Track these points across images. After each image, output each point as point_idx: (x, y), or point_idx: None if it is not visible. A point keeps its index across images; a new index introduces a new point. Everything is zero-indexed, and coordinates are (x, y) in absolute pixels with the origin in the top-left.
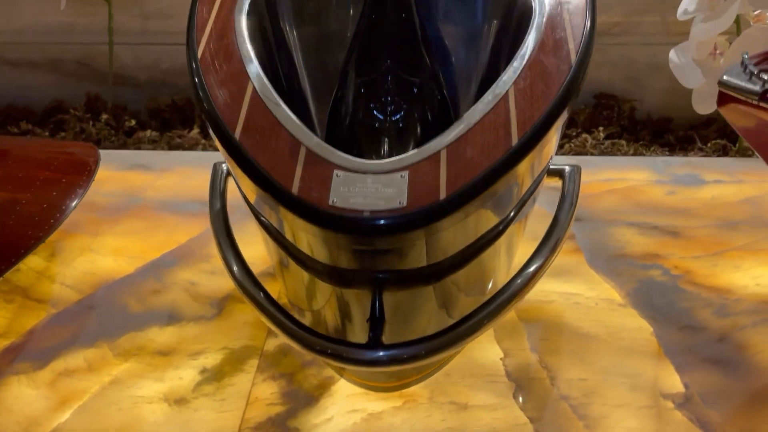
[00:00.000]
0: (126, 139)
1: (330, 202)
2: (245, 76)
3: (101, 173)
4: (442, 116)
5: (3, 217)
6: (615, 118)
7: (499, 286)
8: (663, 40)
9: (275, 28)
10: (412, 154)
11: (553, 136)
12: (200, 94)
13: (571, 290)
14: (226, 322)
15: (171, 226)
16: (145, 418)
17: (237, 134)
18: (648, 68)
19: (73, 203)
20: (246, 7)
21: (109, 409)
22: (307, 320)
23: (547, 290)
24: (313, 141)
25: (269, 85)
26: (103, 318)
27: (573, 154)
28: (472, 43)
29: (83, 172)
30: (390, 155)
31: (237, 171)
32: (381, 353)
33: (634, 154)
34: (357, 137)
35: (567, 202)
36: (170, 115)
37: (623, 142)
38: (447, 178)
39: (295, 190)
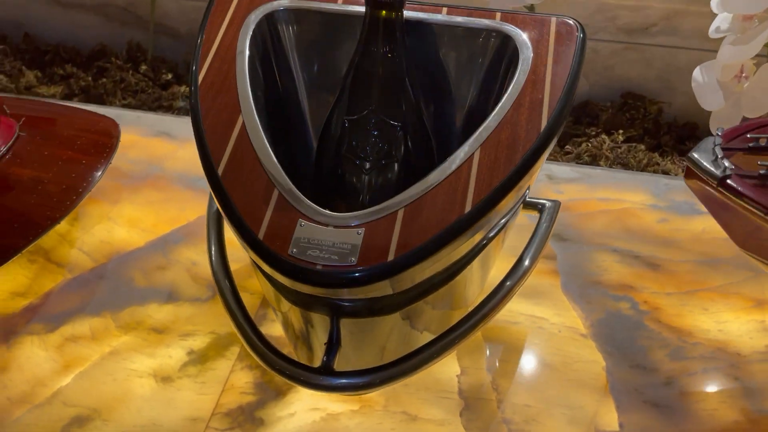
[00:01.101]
0: (161, 93)
1: (289, 252)
2: (237, 109)
3: (129, 137)
4: (424, 159)
5: (26, 195)
6: (639, 119)
7: (469, 302)
8: (701, 45)
9: (278, 52)
10: (371, 211)
11: (516, 194)
12: (195, 119)
13: (539, 314)
14: (218, 306)
15: (183, 201)
16: (134, 391)
17: (220, 168)
18: (682, 71)
19: (89, 186)
20: (251, 29)
21: (105, 378)
22: (280, 328)
23: (515, 311)
24: (286, 186)
25: (258, 123)
26: (111, 289)
27: (587, 155)
28: (461, 83)
29: (102, 154)
30: (367, 196)
31: (216, 203)
32: (332, 380)
33: (648, 164)
34: (340, 173)
35: (535, 243)
36: None
37: (642, 146)
38: (398, 240)
39: (261, 235)
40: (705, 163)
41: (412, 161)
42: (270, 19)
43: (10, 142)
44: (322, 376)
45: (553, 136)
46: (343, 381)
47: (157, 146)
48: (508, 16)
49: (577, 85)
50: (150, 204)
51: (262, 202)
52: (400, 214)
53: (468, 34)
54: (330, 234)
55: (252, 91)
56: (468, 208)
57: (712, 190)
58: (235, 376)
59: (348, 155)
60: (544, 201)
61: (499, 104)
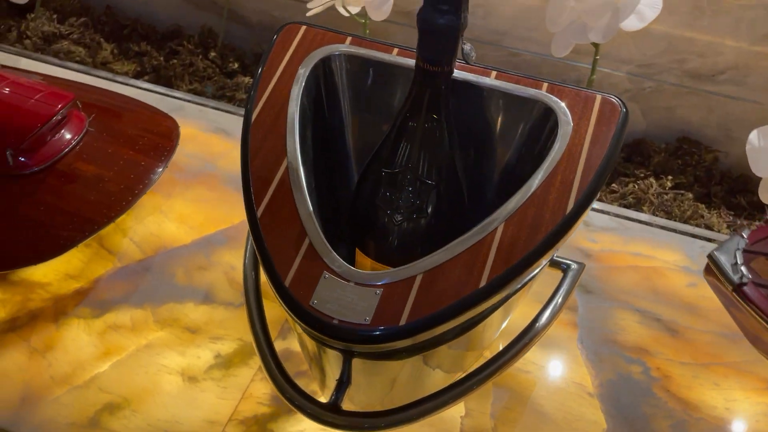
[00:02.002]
0: (226, 81)
1: (310, 302)
2: (283, 152)
3: (189, 130)
4: (455, 217)
5: (88, 191)
6: (692, 166)
7: (486, 344)
8: None
9: (330, 94)
10: (392, 272)
11: (533, 270)
12: (244, 158)
13: (551, 365)
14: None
15: (231, 203)
16: (162, 387)
17: (260, 210)
18: (743, 123)
19: (145, 189)
20: (307, 71)
21: (138, 369)
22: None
23: (527, 359)
24: (317, 237)
25: (301, 169)
26: (154, 283)
27: (632, 197)
28: (502, 143)
29: (160, 157)
30: (395, 246)
31: (252, 241)
32: (338, 418)
33: (692, 216)
34: (372, 220)
35: (553, 303)
36: None
37: (690, 195)
38: (413, 305)
39: (287, 281)
40: (724, 266)
41: (443, 219)
42: (326, 62)
43: (80, 136)
44: (329, 413)
45: (578, 219)
46: (349, 420)
47: (214, 143)
48: (555, 88)
49: (611, 168)
50: (200, 202)
51: (293, 248)
52: (419, 279)
53: (513, 101)
54: (350, 290)
55: (300, 131)
56: (483, 283)
57: (727, 292)
58: (255, 386)
59: (381, 205)
60: (569, 262)
61: (531, 180)
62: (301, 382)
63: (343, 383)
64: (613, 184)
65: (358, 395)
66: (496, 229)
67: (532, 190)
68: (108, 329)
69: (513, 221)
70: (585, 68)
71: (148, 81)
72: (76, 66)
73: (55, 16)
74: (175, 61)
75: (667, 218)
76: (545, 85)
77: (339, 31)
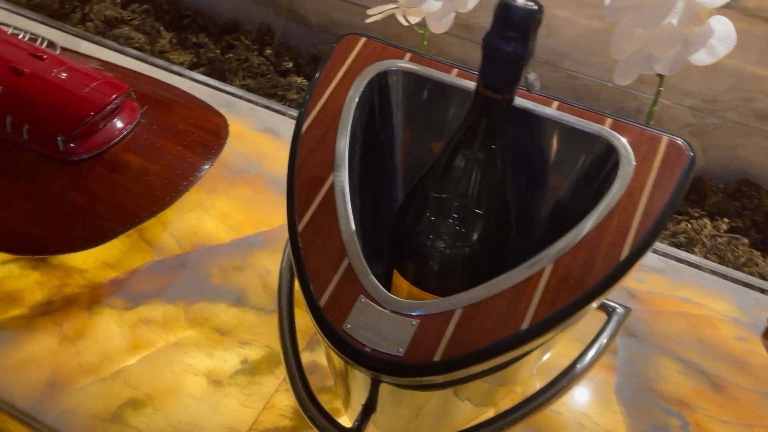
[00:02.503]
0: (279, 80)
1: (344, 326)
2: (330, 167)
3: (238, 127)
4: (500, 249)
5: (133, 183)
6: (750, 210)
7: (520, 380)
8: None
9: (384, 109)
10: (430, 303)
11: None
12: (291, 169)
13: (584, 410)
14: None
15: (273, 205)
16: (185, 387)
17: (302, 224)
18: None
19: (189, 186)
20: (362, 85)
21: (164, 367)
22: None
23: (561, 401)
24: (356, 258)
25: (346, 186)
26: (189, 280)
27: (683, 236)
28: (556, 175)
29: (207, 155)
30: (435, 273)
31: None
32: None
33: (746, 263)
34: (414, 243)
35: (595, 347)
36: None
37: (745, 240)
38: (449, 341)
39: (322, 302)
40: None
41: (487, 250)
42: (382, 77)
43: (131, 127)
44: None
45: (631, 267)
46: None
47: (261, 142)
48: (619, 125)
49: (671, 215)
50: (242, 201)
51: (331, 268)
52: (458, 313)
53: (573, 134)
54: (386, 318)
55: (350, 146)
56: (525, 325)
57: None
58: (278, 397)
59: (424, 229)
60: (615, 305)
61: (586, 220)
62: (325, 398)
63: (369, 409)
64: None
65: (382, 419)
66: (544, 269)
67: (586, 231)
68: (139, 322)
69: (563, 262)
70: (646, 98)
71: (203, 73)
72: (134, 52)
73: (118, 0)
74: (230, 55)
75: (719, 262)
76: (609, 120)
77: (398, 46)
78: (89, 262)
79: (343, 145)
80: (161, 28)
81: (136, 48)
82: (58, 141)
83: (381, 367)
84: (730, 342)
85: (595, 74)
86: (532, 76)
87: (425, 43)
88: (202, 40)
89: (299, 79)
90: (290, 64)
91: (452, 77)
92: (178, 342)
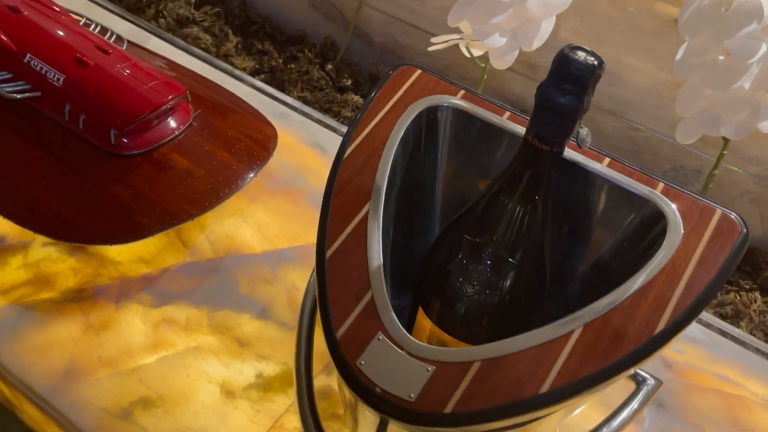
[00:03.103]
0: (336, 96)
1: (358, 362)
2: (367, 197)
3: (288, 139)
4: (531, 300)
5: (175, 184)
6: None
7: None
8: None
9: (429, 144)
10: (449, 351)
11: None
12: (327, 193)
13: None
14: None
15: (309, 222)
16: (198, 393)
17: (330, 250)
18: None
19: (230, 194)
20: (410, 118)
21: (181, 370)
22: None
23: None
24: (380, 293)
25: (380, 218)
26: (217, 286)
27: (730, 307)
28: (599, 232)
29: (252, 165)
30: (460, 317)
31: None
32: None
33: None
34: (442, 284)
35: (620, 417)
36: None
37: None
38: (463, 393)
39: (339, 333)
40: None
41: (517, 301)
42: (431, 112)
43: (182, 129)
44: None
45: (665, 343)
46: None
47: (308, 156)
48: (671, 191)
49: (715, 293)
50: (280, 214)
51: (353, 299)
52: (476, 366)
53: (621, 194)
54: (401, 360)
55: (389, 178)
56: (544, 388)
57: None
58: (287, 417)
59: (454, 270)
60: (646, 375)
61: (624, 286)
62: (334, 425)
63: None
64: None
65: None
66: (572, 331)
67: (623, 298)
68: (163, 322)
69: (593, 327)
70: (707, 159)
71: (263, 80)
72: (199, 53)
73: (192, 1)
74: (292, 66)
75: (765, 341)
76: (661, 185)
77: (453, 82)
78: (124, 255)
79: (383, 175)
80: (229, 31)
81: (202, 49)
82: (111, 134)
83: (389, 410)
84: (765, 426)
85: (657, 128)
86: (584, 132)
87: (485, 76)
88: (267, 48)
89: (356, 98)
90: (349, 82)
91: (503, 120)
92: (197, 347)
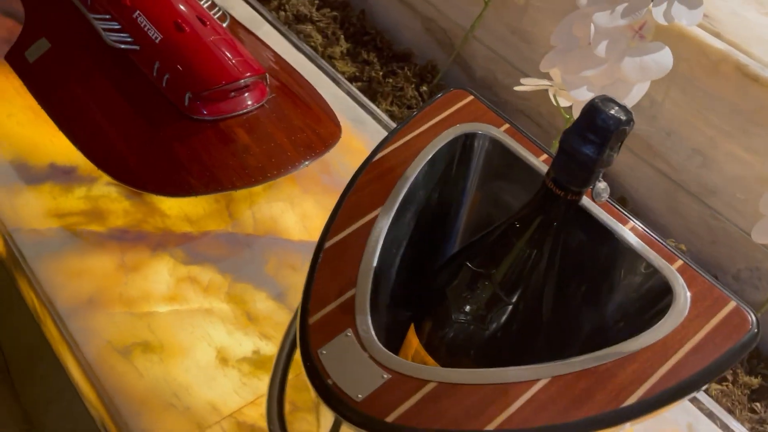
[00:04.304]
0: None
1: (319, 351)
2: (380, 202)
3: (357, 142)
4: (516, 343)
5: (231, 155)
6: None
7: None
8: None
9: (461, 167)
10: (408, 365)
11: None
12: (349, 184)
13: None
14: None
15: None
16: (195, 352)
17: (331, 241)
18: None
19: (276, 176)
20: (447, 139)
21: (187, 326)
22: None
23: None
24: (363, 293)
25: (387, 226)
26: (247, 260)
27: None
28: (602, 289)
29: (305, 156)
30: (441, 339)
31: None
32: None
33: None
34: (435, 305)
35: None
36: None
37: None
38: (409, 409)
39: (312, 320)
40: None
41: (502, 339)
42: (469, 138)
43: (254, 107)
44: None
45: (628, 419)
46: None
47: None
48: (688, 271)
49: (698, 388)
50: (326, 210)
51: (336, 292)
52: (431, 386)
53: (636, 261)
54: (361, 361)
55: (409, 191)
56: (489, 428)
57: None
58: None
59: (449, 296)
60: None
61: (604, 351)
62: (308, 416)
63: None
64: (756, 402)
65: None
66: (539, 380)
67: (602, 362)
68: (187, 279)
69: (561, 381)
70: None
71: (359, 88)
72: (306, 49)
73: (316, 1)
74: (390, 80)
75: None
76: (680, 262)
77: (500, 114)
78: (174, 211)
79: (404, 186)
80: (342, 36)
81: (311, 46)
82: (186, 97)
83: (334, 404)
84: None
85: (740, 223)
86: (601, 186)
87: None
88: (371, 59)
89: None
90: None
91: (538, 160)
92: (209, 309)
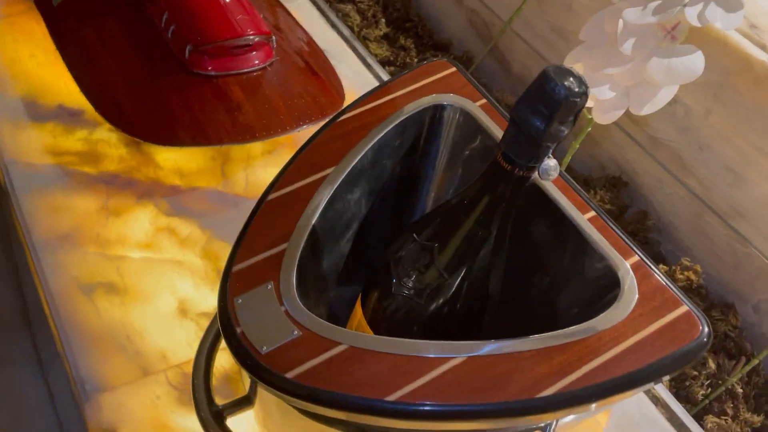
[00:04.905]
0: None
1: (236, 300)
2: (336, 162)
3: None
4: (446, 319)
5: (223, 112)
6: None
7: None
8: None
9: (431, 138)
10: (323, 325)
11: None
12: (311, 138)
13: None
14: None
15: None
16: (157, 300)
17: (275, 194)
18: None
19: (266, 137)
20: (412, 111)
21: (155, 274)
22: None
23: None
24: (295, 249)
25: (336, 186)
26: (229, 220)
27: None
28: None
29: (299, 122)
30: (381, 315)
31: None
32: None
33: None
34: (380, 276)
35: None
36: None
37: None
38: (313, 368)
39: (236, 268)
40: None
41: (443, 318)
42: (439, 109)
43: (255, 68)
44: (209, 418)
45: (540, 412)
46: None
47: None
48: (642, 268)
49: (629, 389)
50: None
51: (268, 243)
52: (341, 348)
53: (589, 253)
54: (276, 314)
55: (371, 157)
56: (391, 398)
57: None
58: (218, 354)
59: (392, 266)
60: None
61: (535, 338)
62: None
63: (245, 400)
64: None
65: (267, 425)
66: (451, 358)
67: (520, 349)
68: (166, 229)
69: (476, 362)
70: None
71: (389, 72)
72: (341, 27)
73: None
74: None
75: None
76: (636, 258)
77: (480, 89)
78: (168, 163)
79: (361, 149)
80: (383, 20)
81: (348, 26)
82: (187, 49)
83: (238, 352)
84: None
85: (766, 251)
86: (551, 163)
87: (589, 129)
88: (408, 45)
89: None
90: None
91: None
92: (181, 261)
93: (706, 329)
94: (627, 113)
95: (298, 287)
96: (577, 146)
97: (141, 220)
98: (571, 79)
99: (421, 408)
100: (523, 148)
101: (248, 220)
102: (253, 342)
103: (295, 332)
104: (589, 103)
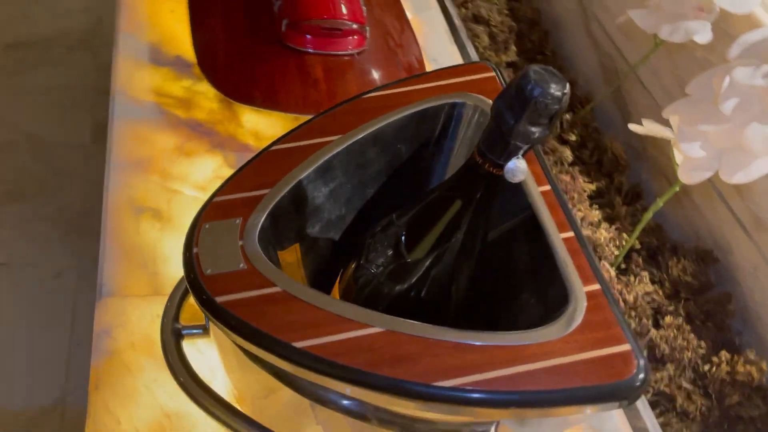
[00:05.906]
0: (554, 142)
1: (204, 225)
2: (339, 133)
3: None
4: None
5: (298, 85)
6: None
7: None
8: None
9: (442, 140)
10: (272, 271)
11: None
12: (326, 108)
13: None
14: None
15: None
16: (147, 238)
17: (277, 146)
18: None
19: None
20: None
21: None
22: None
23: None
24: (274, 195)
25: (328, 155)
26: None
27: None
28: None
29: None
30: (350, 290)
31: None
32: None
33: None
34: (359, 251)
35: None
36: None
37: None
38: (242, 299)
39: (217, 199)
40: None
41: (406, 301)
42: (459, 107)
43: (344, 52)
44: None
45: (432, 399)
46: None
47: None
48: (599, 298)
49: (540, 412)
50: None
51: (252, 186)
52: (274, 290)
53: (554, 265)
54: (233, 246)
55: (376, 138)
56: (298, 345)
57: None
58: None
59: (367, 242)
60: None
61: (459, 331)
62: None
63: (202, 327)
64: None
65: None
66: (370, 326)
67: (444, 338)
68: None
69: (392, 337)
70: None
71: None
72: (469, 48)
73: (505, 11)
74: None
75: None
76: (597, 286)
77: None
78: (249, 124)
79: (369, 127)
80: (513, 48)
81: (474, 46)
82: (283, 23)
83: (187, 270)
84: None
85: None
86: (519, 166)
87: (677, 189)
88: (520, 63)
89: (566, 153)
90: (573, 137)
91: None
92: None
93: (642, 375)
94: (735, 186)
95: (268, 230)
96: (661, 204)
97: (206, 166)
98: (551, 83)
99: (320, 361)
100: (495, 143)
101: (246, 163)
102: (201, 262)
103: (241, 265)
104: (678, 159)
